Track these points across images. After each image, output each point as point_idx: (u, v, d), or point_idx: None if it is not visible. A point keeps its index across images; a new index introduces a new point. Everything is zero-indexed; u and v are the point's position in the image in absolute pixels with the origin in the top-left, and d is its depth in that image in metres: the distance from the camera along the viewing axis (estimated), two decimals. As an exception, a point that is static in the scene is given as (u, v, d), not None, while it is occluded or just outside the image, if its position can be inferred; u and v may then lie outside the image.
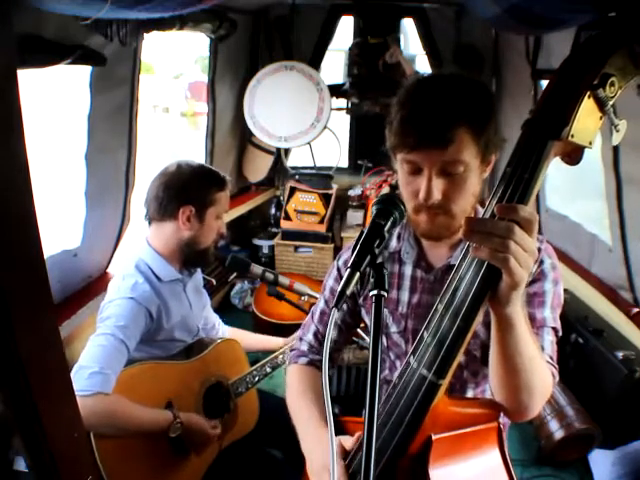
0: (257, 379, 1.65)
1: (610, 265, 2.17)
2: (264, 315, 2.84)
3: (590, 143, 0.72)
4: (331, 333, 0.64)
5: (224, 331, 1.82)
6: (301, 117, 3.16)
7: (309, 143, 3.28)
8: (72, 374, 1.24)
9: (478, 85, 0.93)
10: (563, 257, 2.48)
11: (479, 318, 0.74)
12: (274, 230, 3.60)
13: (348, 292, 0.68)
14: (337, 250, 3.35)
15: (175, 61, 16.48)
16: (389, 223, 0.77)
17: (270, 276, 1.67)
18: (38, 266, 0.79)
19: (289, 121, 3.17)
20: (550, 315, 0.96)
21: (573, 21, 1.29)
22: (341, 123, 3.93)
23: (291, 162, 3.78)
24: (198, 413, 1.46)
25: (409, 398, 0.79)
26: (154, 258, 1.48)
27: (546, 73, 2.46)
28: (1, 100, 0.69)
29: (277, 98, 3.15)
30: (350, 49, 3.45)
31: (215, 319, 1.78)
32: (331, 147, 3.63)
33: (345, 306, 1.15)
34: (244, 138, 3.56)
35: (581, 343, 2.22)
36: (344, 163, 3.79)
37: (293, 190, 3.45)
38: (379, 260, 0.72)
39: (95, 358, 1.26)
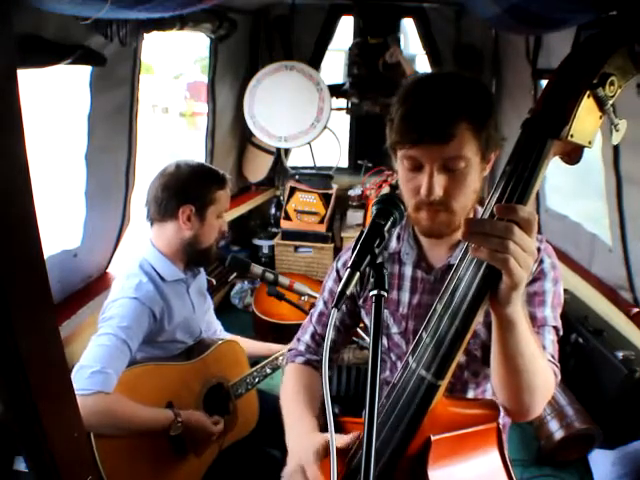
0: (257, 380, 1.65)
1: (610, 265, 2.17)
2: (264, 315, 2.83)
3: (589, 143, 0.71)
4: (330, 334, 0.64)
5: (225, 338, 1.81)
6: (301, 117, 3.16)
7: (309, 143, 3.28)
8: (73, 374, 1.23)
9: (477, 82, 0.93)
10: (563, 257, 2.48)
11: (478, 318, 0.74)
12: (274, 230, 3.60)
13: (348, 292, 0.68)
14: (337, 250, 3.35)
15: (175, 61, 16.50)
16: (389, 223, 0.77)
17: (270, 276, 1.67)
18: (38, 266, 0.79)
19: (289, 121, 3.17)
20: (551, 314, 0.96)
21: (573, 21, 1.30)
22: (341, 123, 3.92)
23: (291, 162, 3.78)
24: (198, 413, 1.46)
25: (408, 399, 0.79)
26: (158, 258, 1.47)
27: (546, 73, 2.45)
28: (1, 100, 0.69)
29: (277, 98, 3.15)
30: (350, 49, 3.44)
31: (217, 325, 1.78)
32: (331, 147, 3.63)
33: (344, 307, 1.15)
34: (244, 138, 3.56)
35: (581, 343, 2.22)
36: (344, 163, 3.79)
37: (293, 190, 3.45)
38: (379, 260, 0.72)
39: (97, 357, 1.26)
